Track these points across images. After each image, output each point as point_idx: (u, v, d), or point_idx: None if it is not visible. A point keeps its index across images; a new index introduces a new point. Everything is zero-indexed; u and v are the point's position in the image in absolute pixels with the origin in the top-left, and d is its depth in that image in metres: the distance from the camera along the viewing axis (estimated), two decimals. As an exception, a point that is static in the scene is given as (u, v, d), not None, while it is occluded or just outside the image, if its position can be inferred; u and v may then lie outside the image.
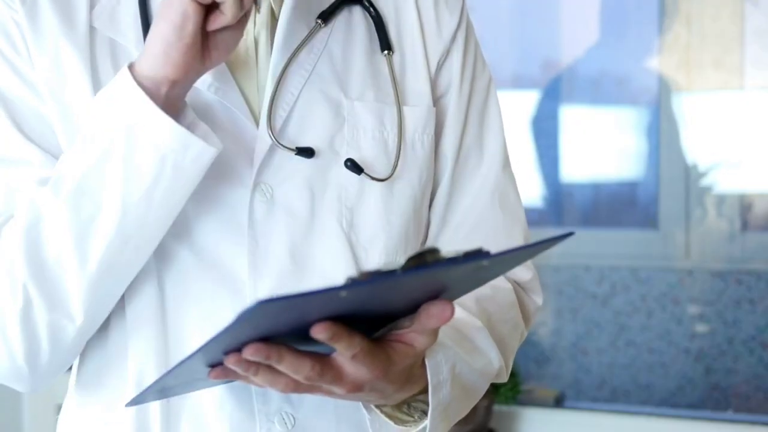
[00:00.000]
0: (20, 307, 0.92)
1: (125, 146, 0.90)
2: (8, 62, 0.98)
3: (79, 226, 0.91)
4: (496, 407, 2.59)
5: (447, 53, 1.09)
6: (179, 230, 0.96)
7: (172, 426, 0.97)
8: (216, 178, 0.97)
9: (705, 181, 2.99)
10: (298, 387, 0.81)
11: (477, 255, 0.74)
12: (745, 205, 2.99)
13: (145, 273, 0.97)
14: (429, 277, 0.75)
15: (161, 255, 0.97)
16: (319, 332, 0.75)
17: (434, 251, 0.72)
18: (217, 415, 0.97)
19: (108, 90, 0.91)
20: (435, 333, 0.83)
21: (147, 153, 0.90)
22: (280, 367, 0.78)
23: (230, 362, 0.78)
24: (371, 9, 1.06)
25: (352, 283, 0.70)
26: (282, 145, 0.98)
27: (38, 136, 0.97)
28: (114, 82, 0.91)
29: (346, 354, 0.78)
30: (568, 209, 3.28)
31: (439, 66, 1.08)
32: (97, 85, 0.97)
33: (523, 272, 1.12)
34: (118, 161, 0.90)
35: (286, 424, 0.97)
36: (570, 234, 0.80)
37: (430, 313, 0.79)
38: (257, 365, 0.78)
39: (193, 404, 0.97)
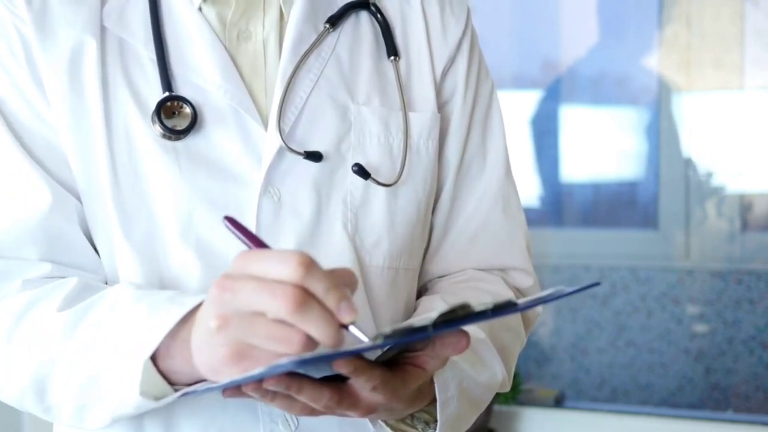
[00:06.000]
0: (17, 400, 0.95)
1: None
2: (7, 72, 0.98)
3: (79, 407, 0.90)
4: (496, 407, 2.59)
5: (452, 60, 1.09)
6: (186, 232, 0.96)
7: (175, 427, 0.97)
8: (223, 180, 0.97)
9: (705, 181, 2.99)
10: (314, 412, 0.82)
11: (506, 307, 0.77)
12: (745, 205, 2.99)
13: (149, 275, 0.97)
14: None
15: (166, 256, 0.97)
16: (341, 367, 0.77)
17: (465, 306, 0.74)
18: (221, 416, 0.97)
19: (132, 338, 0.85)
20: (447, 358, 0.85)
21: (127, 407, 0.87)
22: (300, 398, 0.80)
23: (249, 390, 0.79)
24: (378, 14, 1.06)
25: (384, 342, 0.72)
26: (291, 148, 0.98)
27: (34, 149, 0.97)
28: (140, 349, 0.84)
29: (366, 386, 0.80)
30: (568, 209, 3.28)
31: (444, 72, 1.09)
32: (105, 86, 0.97)
33: (524, 279, 1.13)
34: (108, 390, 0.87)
35: (289, 425, 0.97)
36: (596, 284, 0.85)
37: (446, 342, 0.81)
38: (275, 392, 0.79)
39: (195, 405, 0.96)
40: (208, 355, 0.77)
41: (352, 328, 0.73)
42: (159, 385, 0.84)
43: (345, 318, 0.72)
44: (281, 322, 0.72)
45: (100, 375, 0.87)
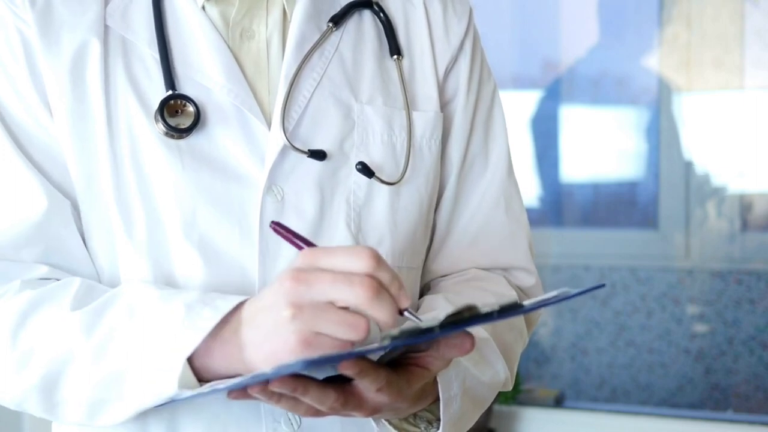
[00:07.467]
0: (17, 399, 0.94)
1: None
2: (7, 75, 0.98)
3: (94, 404, 0.91)
4: (496, 407, 2.59)
5: (455, 60, 1.10)
6: (189, 230, 0.96)
7: (178, 426, 0.97)
8: (227, 179, 0.97)
9: (705, 182, 3.00)
10: (318, 413, 0.83)
11: (512, 309, 0.78)
12: (745, 205, 3.00)
13: (152, 273, 0.97)
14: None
15: (168, 255, 0.97)
16: (346, 368, 0.78)
17: (472, 308, 0.76)
18: (224, 415, 0.97)
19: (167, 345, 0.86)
20: (451, 359, 0.86)
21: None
22: (305, 399, 0.81)
23: (255, 391, 0.80)
24: (381, 14, 1.06)
25: (391, 342, 0.74)
26: (295, 147, 0.98)
27: (32, 152, 0.97)
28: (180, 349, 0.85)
29: (371, 387, 0.81)
30: (567, 209, 3.28)
31: (447, 72, 1.09)
32: (108, 85, 0.97)
33: (526, 279, 1.13)
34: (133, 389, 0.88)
35: (292, 424, 0.97)
36: (602, 286, 0.88)
37: (450, 343, 0.82)
38: (280, 394, 0.80)
39: (199, 404, 0.96)
40: (277, 343, 0.80)
41: (407, 313, 0.80)
42: (190, 383, 0.85)
43: (403, 303, 0.80)
44: (347, 310, 0.78)
45: (126, 371, 0.87)
